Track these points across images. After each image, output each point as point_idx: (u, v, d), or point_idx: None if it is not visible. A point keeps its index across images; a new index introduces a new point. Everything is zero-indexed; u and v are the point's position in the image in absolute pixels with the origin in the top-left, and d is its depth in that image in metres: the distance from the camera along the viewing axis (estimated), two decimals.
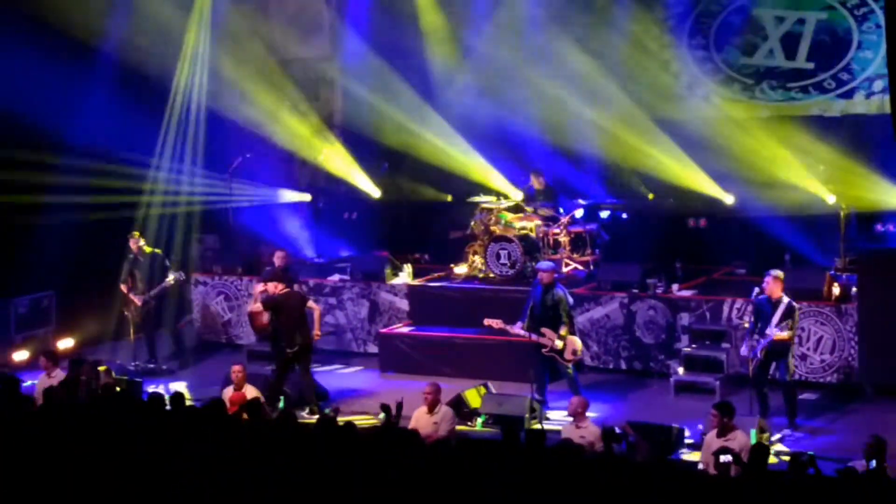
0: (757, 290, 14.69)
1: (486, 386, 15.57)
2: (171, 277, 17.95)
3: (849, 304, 15.71)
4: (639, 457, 11.34)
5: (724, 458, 11.06)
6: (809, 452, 11.10)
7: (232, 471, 10.75)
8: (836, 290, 15.97)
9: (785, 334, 14.25)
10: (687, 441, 13.63)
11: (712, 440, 12.12)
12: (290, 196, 20.95)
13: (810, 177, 18.19)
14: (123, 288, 18.05)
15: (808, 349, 15.77)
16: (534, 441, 11.28)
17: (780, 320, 14.27)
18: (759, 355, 14.34)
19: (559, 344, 15.20)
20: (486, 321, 15.71)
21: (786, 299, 14.37)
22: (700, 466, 12.13)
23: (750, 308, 15.19)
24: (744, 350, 14.65)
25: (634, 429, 12.72)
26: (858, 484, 10.15)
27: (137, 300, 17.91)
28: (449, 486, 10.22)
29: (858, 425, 14.06)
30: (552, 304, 15.37)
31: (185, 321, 19.50)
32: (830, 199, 18.04)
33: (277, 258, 17.42)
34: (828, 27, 18.92)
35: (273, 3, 21.86)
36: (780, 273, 14.51)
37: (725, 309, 16.37)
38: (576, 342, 15.39)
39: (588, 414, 13.15)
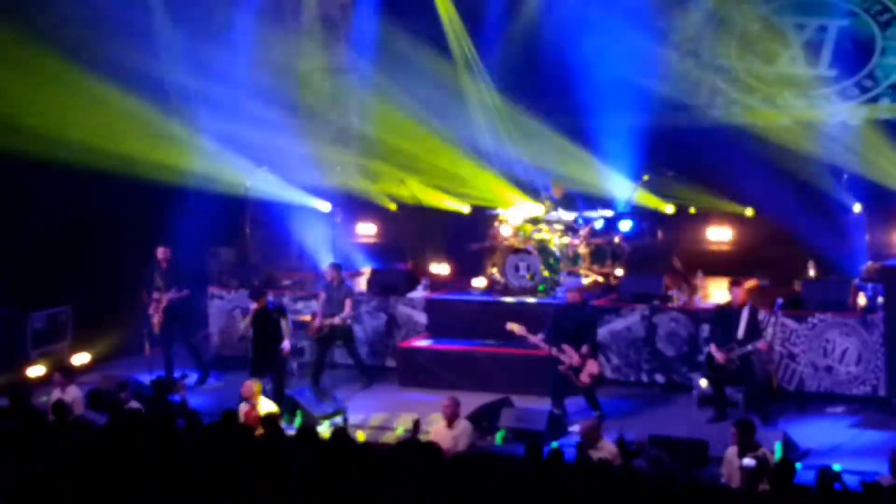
0: (781, 301, 14.54)
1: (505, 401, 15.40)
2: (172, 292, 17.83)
3: (875, 315, 15.45)
4: (662, 472, 11.18)
5: (746, 461, 10.93)
6: (836, 466, 10.95)
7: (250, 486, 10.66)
8: (861, 300, 15.74)
9: (763, 344, 14.69)
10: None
11: (733, 456, 11.94)
12: (307, 201, 20.74)
13: (830, 184, 17.99)
14: (145, 297, 17.93)
15: (834, 361, 15.53)
16: (556, 458, 11.13)
17: (749, 329, 14.60)
18: (736, 361, 14.64)
19: (576, 359, 15.01)
20: (509, 325, 15.62)
21: (748, 304, 14.83)
22: (722, 480, 11.98)
23: (772, 319, 15.09)
24: (719, 357, 14.72)
25: (657, 443, 12.55)
26: (885, 498, 10.01)
27: (152, 309, 17.79)
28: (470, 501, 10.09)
29: (885, 438, 13.84)
30: (578, 324, 15.20)
31: (201, 335, 19.31)
32: None
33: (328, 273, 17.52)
34: (850, 34, 18.75)
35: (291, 13, 21.77)
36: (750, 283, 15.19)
37: None
38: (594, 367, 15.18)
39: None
